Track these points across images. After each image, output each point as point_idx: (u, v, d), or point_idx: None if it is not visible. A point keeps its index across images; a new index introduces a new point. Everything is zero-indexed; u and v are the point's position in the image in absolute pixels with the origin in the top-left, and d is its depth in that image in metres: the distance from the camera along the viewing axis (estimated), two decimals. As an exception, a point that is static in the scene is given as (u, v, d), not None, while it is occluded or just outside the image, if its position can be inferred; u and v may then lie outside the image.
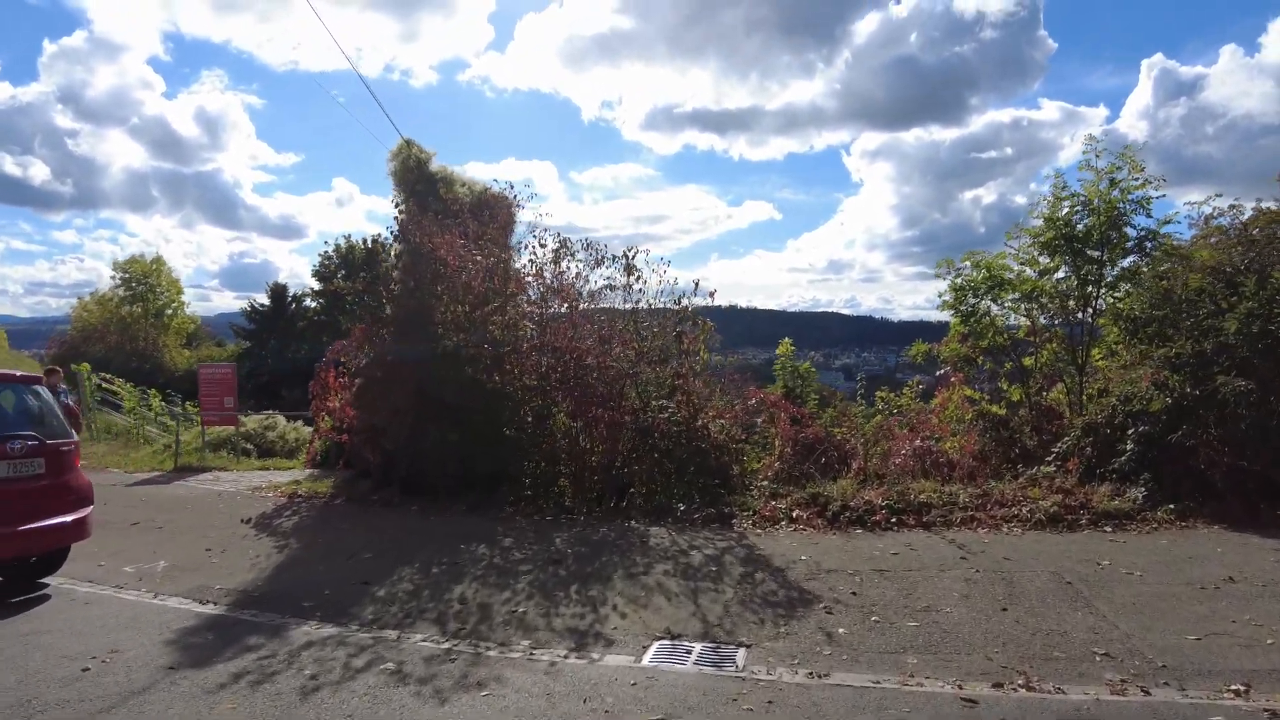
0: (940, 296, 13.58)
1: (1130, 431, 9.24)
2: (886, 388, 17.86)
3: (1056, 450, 10.17)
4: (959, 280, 13.37)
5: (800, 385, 13.60)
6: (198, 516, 11.01)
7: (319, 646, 5.51)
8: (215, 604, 6.74)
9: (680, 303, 10.61)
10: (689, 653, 5.29)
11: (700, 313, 11.27)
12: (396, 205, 13.01)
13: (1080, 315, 13.04)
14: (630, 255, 11.01)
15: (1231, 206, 11.72)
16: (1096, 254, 12.75)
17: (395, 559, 8.04)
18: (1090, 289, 13.03)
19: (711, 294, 10.53)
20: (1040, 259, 13.46)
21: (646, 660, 5.17)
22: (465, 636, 5.73)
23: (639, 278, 10.97)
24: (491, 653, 5.35)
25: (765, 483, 10.61)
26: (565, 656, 5.25)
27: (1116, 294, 12.84)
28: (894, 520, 8.79)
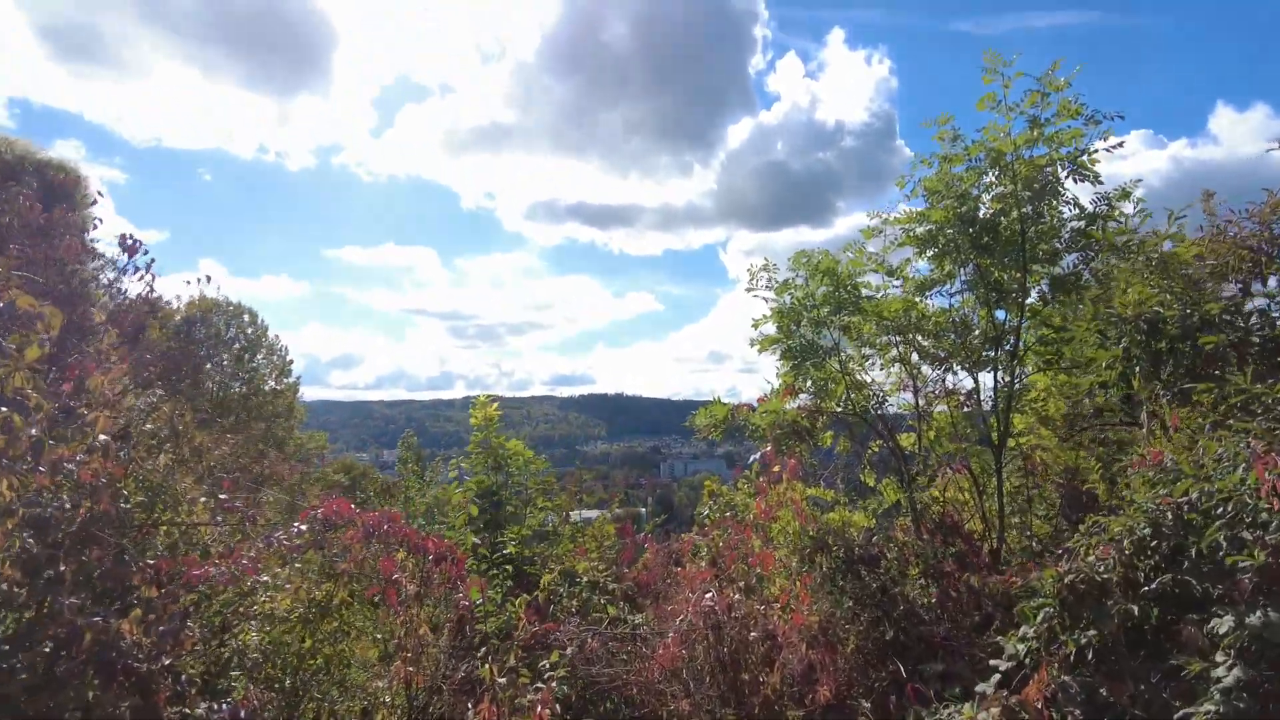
0: (756, 327, 7.47)
1: (1230, 618, 2.98)
2: (716, 478, 11.71)
3: (1008, 657, 3.79)
4: (786, 298, 7.34)
5: (504, 485, 6.99)
6: None
7: None
8: None
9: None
10: None
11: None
12: None
13: (991, 354, 7.20)
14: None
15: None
16: (1013, 254, 7.03)
17: None
18: (1007, 314, 7.27)
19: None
20: (918, 264, 7.66)
21: None
22: None
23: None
24: None
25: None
26: None
27: (1049, 323, 7.10)
28: None
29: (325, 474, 27.21)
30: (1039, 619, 3.49)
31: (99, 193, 7.51)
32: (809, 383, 7.18)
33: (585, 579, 6.57)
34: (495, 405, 7.16)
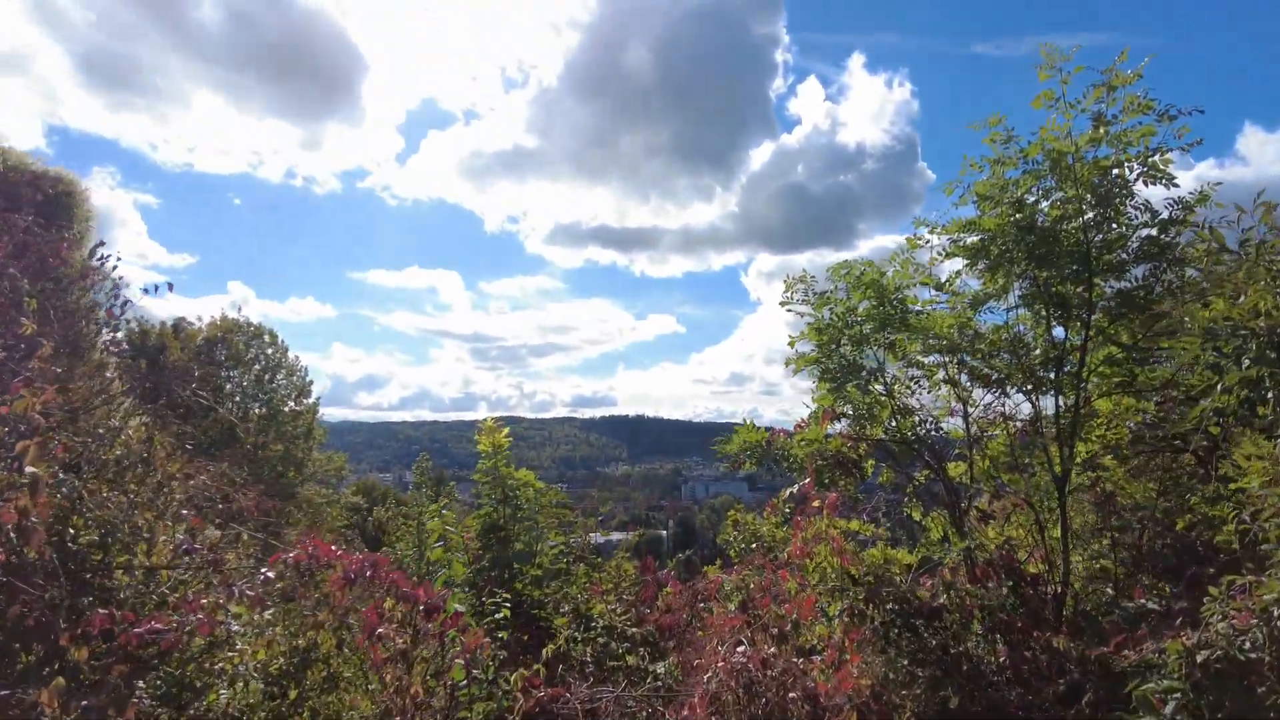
0: (791, 344, 6.80)
1: None
2: (740, 505, 11.06)
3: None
4: (825, 312, 6.67)
5: (512, 517, 6.31)
6: None
7: None
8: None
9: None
10: None
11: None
12: None
13: (1051, 376, 6.46)
14: None
15: None
16: (1076, 265, 6.31)
17: None
18: (1067, 332, 6.55)
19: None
20: (968, 277, 6.97)
21: None
22: None
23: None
24: None
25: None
26: None
27: (1117, 341, 6.38)
28: None
29: (343, 496, 26.73)
30: (1169, 708, 2.76)
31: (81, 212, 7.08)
32: (849, 406, 6.49)
33: (601, 623, 5.87)
34: (505, 431, 6.47)
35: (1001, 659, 4.52)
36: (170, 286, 4.15)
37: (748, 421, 6.27)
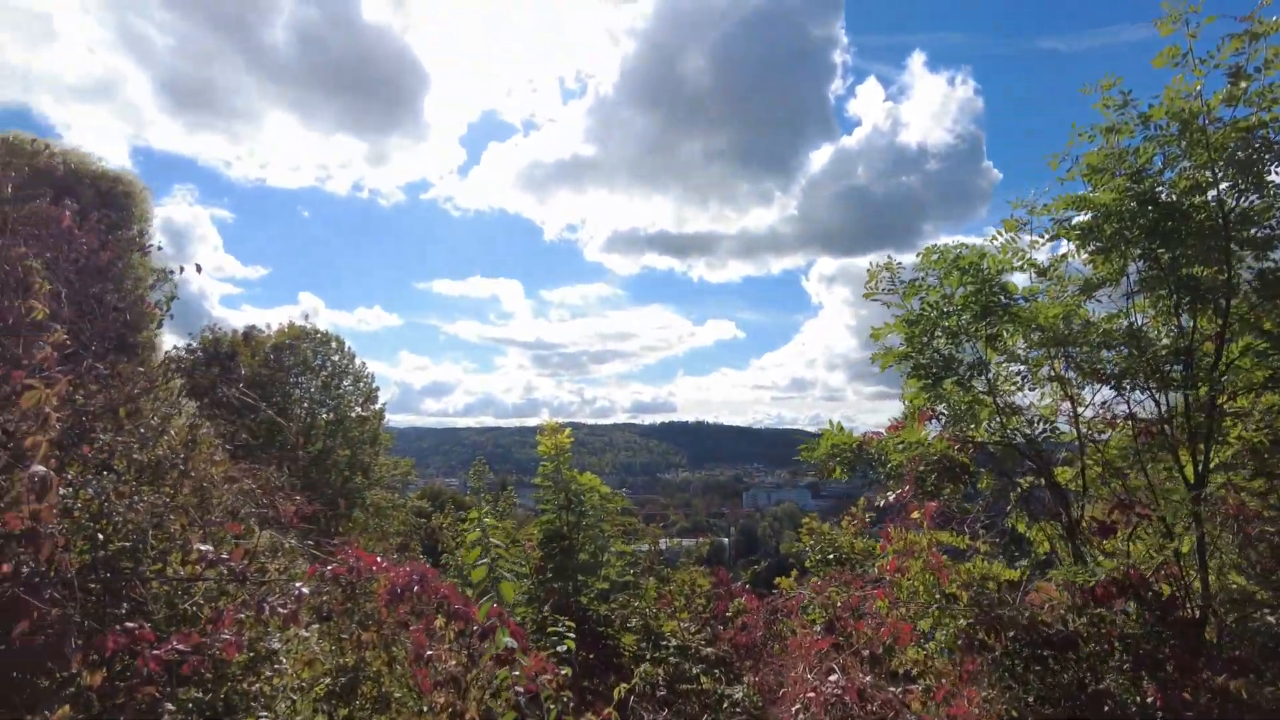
0: (879, 340, 6.13)
1: None
2: (814, 515, 10.48)
3: None
4: (914, 302, 6.00)
5: (576, 524, 5.75)
6: None
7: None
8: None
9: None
10: None
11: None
12: None
13: (1179, 371, 5.65)
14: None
15: None
16: (1211, 243, 5.50)
17: None
18: (1199, 319, 5.73)
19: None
20: (1073, 261, 6.22)
21: None
22: None
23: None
24: None
25: None
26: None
27: (1259, 329, 5.54)
28: None
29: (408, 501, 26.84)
30: None
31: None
32: (944, 405, 5.80)
33: (674, 642, 5.33)
34: (567, 432, 5.96)
35: (1149, 699, 3.80)
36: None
37: (835, 424, 5.63)
